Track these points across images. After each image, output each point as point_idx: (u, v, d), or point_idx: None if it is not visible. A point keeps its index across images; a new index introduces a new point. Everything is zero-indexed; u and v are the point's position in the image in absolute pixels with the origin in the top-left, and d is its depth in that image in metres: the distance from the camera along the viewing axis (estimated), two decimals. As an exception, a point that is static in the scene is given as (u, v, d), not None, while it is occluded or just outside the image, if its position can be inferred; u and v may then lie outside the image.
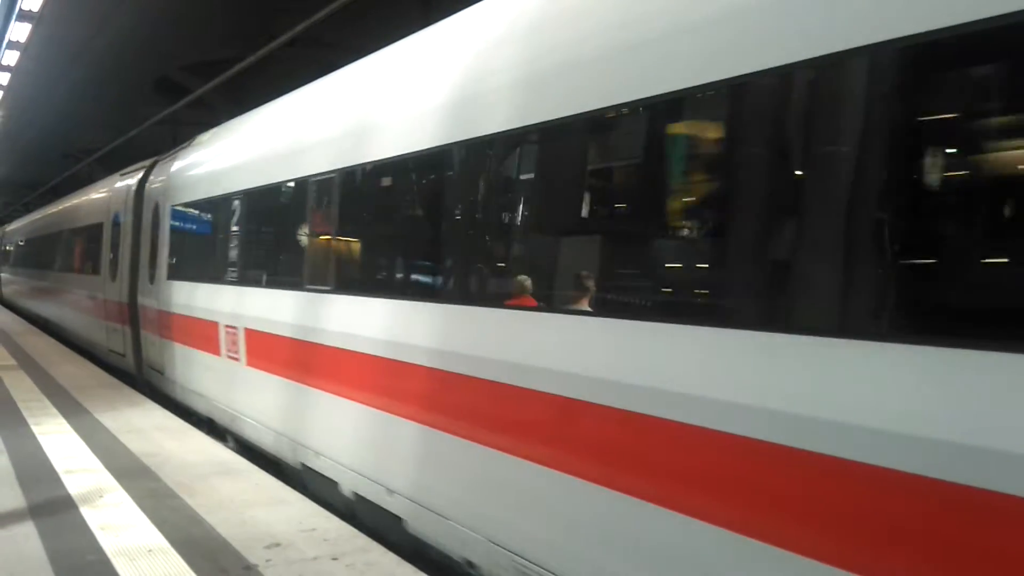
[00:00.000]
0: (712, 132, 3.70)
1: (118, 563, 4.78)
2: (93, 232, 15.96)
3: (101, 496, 6.10)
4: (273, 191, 7.91)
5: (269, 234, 8.37)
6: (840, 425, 2.84)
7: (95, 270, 15.34)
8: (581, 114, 4.10)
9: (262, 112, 9.19)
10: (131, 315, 12.67)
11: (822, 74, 3.06)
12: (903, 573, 2.66)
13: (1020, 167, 2.68)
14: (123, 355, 13.32)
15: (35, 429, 8.39)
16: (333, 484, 6.37)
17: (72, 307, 17.90)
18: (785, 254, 3.26)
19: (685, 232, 3.89)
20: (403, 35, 6.51)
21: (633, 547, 3.67)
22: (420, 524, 5.26)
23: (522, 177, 4.90)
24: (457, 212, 5.23)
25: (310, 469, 6.77)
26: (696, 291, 3.76)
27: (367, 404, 5.86)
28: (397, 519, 5.49)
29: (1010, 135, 2.67)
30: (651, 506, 3.53)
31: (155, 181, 12.22)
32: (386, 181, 6.23)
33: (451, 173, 5.31)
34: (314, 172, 6.94)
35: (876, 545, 2.72)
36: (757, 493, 3.13)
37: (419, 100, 5.62)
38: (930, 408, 2.63)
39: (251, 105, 10.02)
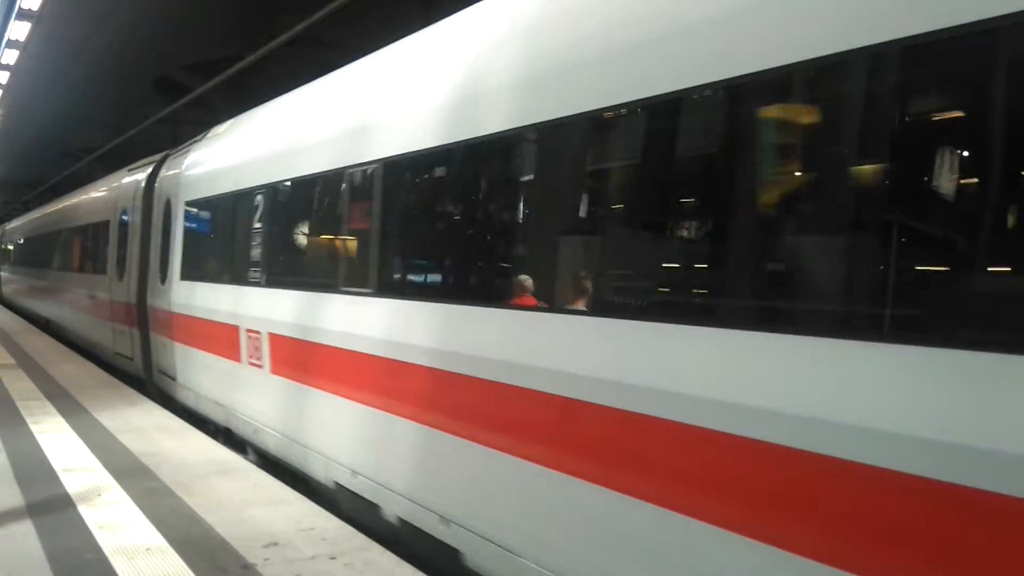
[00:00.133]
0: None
1: (116, 562, 4.77)
2: (98, 230, 15.39)
3: (99, 495, 6.10)
4: (303, 185, 7.23)
5: (298, 232, 7.59)
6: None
7: (101, 269, 14.77)
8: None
9: (292, 98, 8.36)
10: (140, 317, 12.10)
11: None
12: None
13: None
14: (131, 359, 12.78)
15: (34, 428, 8.39)
16: (372, 507, 5.77)
17: (76, 308, 17.30)
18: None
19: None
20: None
21: None
22: (482, 559, 4.65)
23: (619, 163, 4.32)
24: (540, 205, 4.61)
25: (345, 489, 6.15)
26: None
27: (418, 421, 5.22)
28: (453, 551, 4.88)
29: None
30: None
31: (166, 177, 11.57)
32: (443, 171, 5.52)
33: (532, 160, 4.68)
34: (353, 163, 6.25)
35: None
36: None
37: (494, 75, 4.86)
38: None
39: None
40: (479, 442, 4.63)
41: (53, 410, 9.42)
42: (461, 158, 5.19)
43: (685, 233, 3.89)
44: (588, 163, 4.45)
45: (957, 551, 2.55)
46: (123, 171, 14.78)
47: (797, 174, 3.35)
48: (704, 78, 3.45)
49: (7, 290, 31.73)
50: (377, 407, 5.69)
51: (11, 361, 13.90)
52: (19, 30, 15.31)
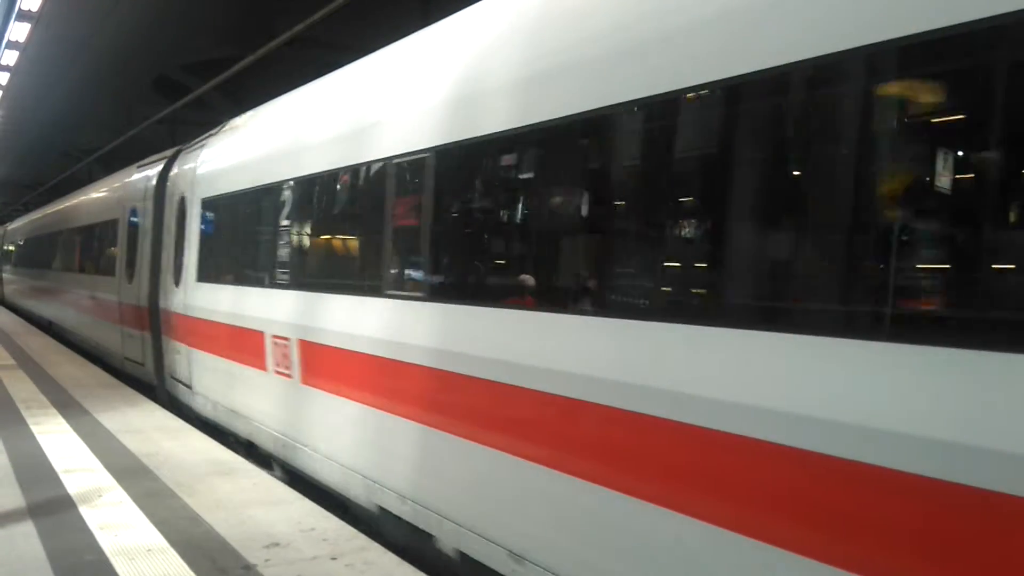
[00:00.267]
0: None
1: (117, 563, 4.78)
2: (106, 230, 14.79)
3: (100, 496, 6.10)
4: (340, 178, 6.54)
5: (333, 230, 6.97)
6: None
7: (108, 270, 14.10)
8: None
9: (327, 84, 7.53)
10: (151, 320, 11.40)
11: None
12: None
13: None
14: (142, 364, 12.07)
15: (34, 429, 8.39)
16: (423, 536, 5.18)
17: (82, 310, 16.60)
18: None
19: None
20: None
21: None
22: None
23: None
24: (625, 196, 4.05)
25: (391, 514, 5.58)
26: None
27: (486, 445, 4.58)
28: None
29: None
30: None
31: (179, 173, 10.85)
32: (507, 159, 4.83)
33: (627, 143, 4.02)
34: (398, 153, 5.61)
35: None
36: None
37: (579, 48, 4.20)
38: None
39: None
40: (567, 471, 3.96)
41: (54, 411, 9.42)
42: (555, 140, 4.35)
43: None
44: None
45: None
46: (131, 168, 14.21)
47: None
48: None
49: (9, 291, 31.34)
50: (435, 426, 5.03)
51: (12, 362, 13.90)
52: (19, 31, 15.34)
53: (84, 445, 7.72)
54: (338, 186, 6.64)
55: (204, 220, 9.54)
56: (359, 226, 6.47)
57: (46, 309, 21.56)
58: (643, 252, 3.94)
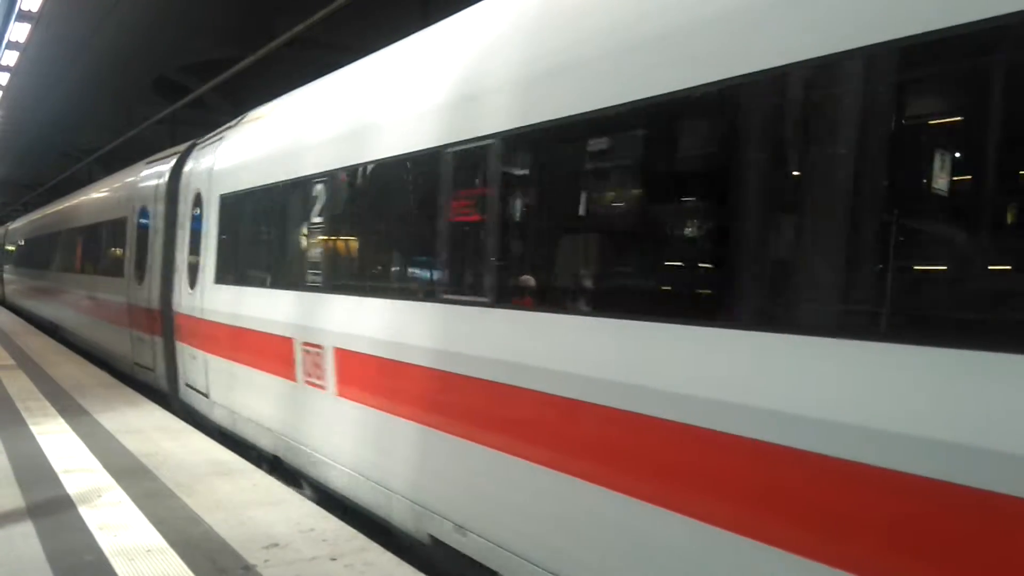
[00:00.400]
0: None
1: (116, 563, 4.77)
2: (114, 229, 14.13)
3: (99, 496, 6.10)
4: (385, 170, 5.89)
5: (378, 227, 6.27)
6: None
7: (116, 271, 13.44)
8: None
9: (366, 67, 6.79)
10: (163, 324, 10.79)
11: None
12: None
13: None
14: (152, 370, 11.49)
15: (34, 429, 8.39)
16: (485, 571, 4.64)
17: (88, 312, 15.97)
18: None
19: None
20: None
21: None
22: None
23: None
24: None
25: (446, 546, 4.99)
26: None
27: (568, 473, 3.96)
28: None
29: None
30: None
31: (194, 168, 10.19)
32: (603, 143, 4.14)
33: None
34: (459, 139, 4.93)
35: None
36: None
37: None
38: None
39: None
40: (670, 507, 3.44)
41: (53, 411, 9.42)
42: (653, 120, 3.76)
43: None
44: None
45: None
46: (140, 165, 13.61)
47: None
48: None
49: (10, 293, 30.77)
50: (503, 450, 4.42)
51: (11, 362, 13.90)
52: (19, 31, 15.34)
53: (83, 445, 7.71)
54: (385, 179, 5.98)
55: (223, 218, 8.89)
56: (410, 222, 5.77)
57: (50, 311, 21.04)
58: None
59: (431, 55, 5.71)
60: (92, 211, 16.54)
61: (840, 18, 2.94)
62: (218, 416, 8.91)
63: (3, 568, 4.65)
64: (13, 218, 38.03)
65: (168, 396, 10.75)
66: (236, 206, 8.60)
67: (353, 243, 6.52)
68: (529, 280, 4.53)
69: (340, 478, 6.23)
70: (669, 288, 3.83)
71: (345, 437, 6.17)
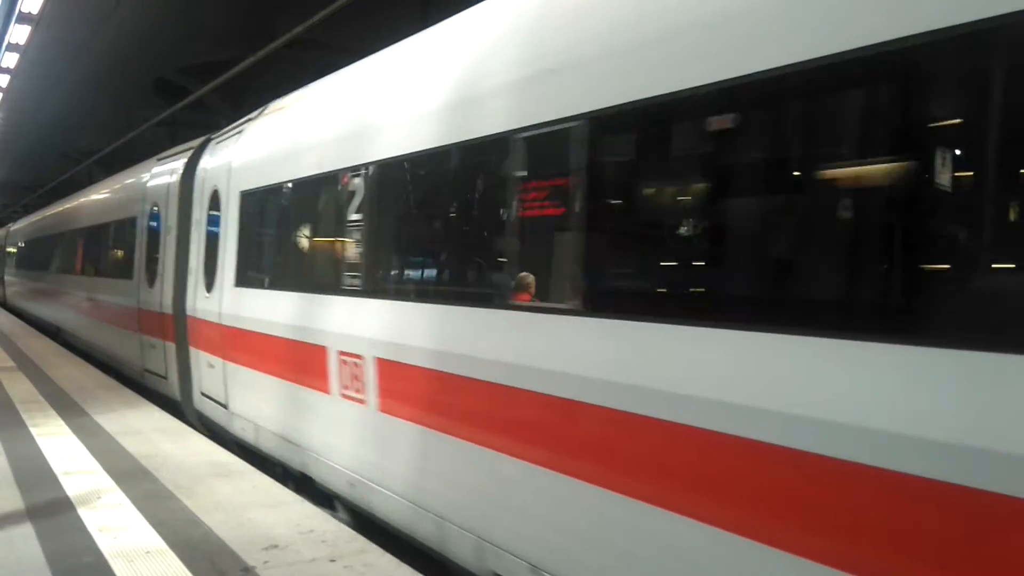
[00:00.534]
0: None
1: (116, 565, 4.77)
2: (123, 229, 13.58)
3: (99, 497, 6.09)
4: (436, 159, 5.29)
5: (431, 225, 5.71)
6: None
7: (125, 273, 12.87)
8: None
9: (415, 49, 6.08)
10: (176, 329, 10.20)
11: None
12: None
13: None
14: (164, 377, 10.87)
15: (33, 431, 8.38)
16: None
17: (94, 316, 15.33)
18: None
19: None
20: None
21: None
22: None
23: None
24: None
25: None
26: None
27: (690, 515, 3.34)
28: None
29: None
30: None
31: (211, 164, 9.61)
32: (735, 121, 3.41)
33: None
34: (538, 122, 4.28)
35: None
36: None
37: None
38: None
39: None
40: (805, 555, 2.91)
41: (53, 413, 9.42)
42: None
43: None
44: None
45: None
46: (150, 162, 13.03)
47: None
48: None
49: (11, 294, 30.34)
50: (606, 486, 3.76)
51: (11, 364, 13.90)
52: (19, 33, 15.35)
53: (83, 447, 7.71)
54: (440, 169, 5.39)
55: (244, 216, 8.28)
56: (471, 218, 5.19)
57: (53, 313, 20.40)
58: None
59: (507, 23, 4.92)
60: (99, 211, 16.02)
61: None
62: (238, 428, 8.32)
63: (3, 570, 4.65)
64: (14, 220, 37.96)
65: (181, 405, 10.19)
66: (259, 204, 8.02)
67: (401, 242, 5.95)
68: (640, 283, 3.90)
69: (387, 505, 5.57)
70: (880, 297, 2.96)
71: (388, 457, 5.57)
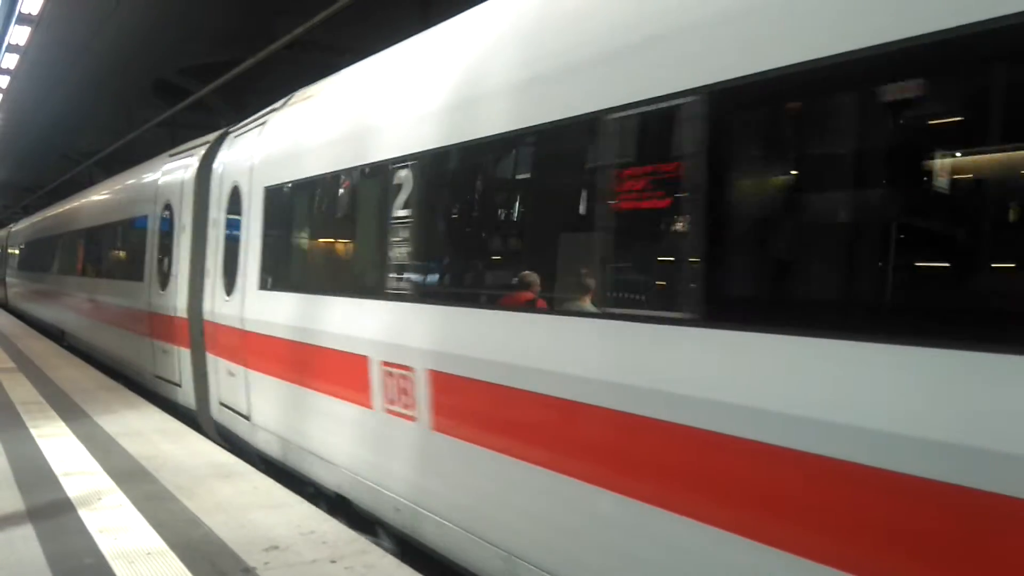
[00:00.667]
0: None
1: (116, 566, 4.77)
2: (132, 228, 13.03)
3: (99, 499, 6.09)
4: (501, 146, 4.74)
5: (496, 219, 5.08)
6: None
7: (135, 275, 12.25)
8: None
9: (476, 21, 5.39)
10: (192, 334, 9.66)
11: None
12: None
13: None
14: (178, 384, 10.30)
15: (34, 432, 8.38)
16: None
17: (102, 319, 14.71)
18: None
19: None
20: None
21: None
22: None
23: None
24: None
25: None
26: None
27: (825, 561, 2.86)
28: None
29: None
30: None
31: (229, 158, 9.07)
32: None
33: None
34: (636, 100, 3.68)
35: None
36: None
37: None
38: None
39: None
40: None
41: (53, 414, 9.41)
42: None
43: None
44: None
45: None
46: (162, 158, 12.44)
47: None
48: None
49: (13, 295, 29.87)
50: (720, 526, 3.21)
51: (11, 365, 13.89)
52: (19, 34, 15.36)
53: (83, 448, 7.71)
54: (506, 158, 4.88)
55: (269, 214, 7.68)
56: (547, 213, 4.57)
57: (58, 316, 19.69)
58: None
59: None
60: (107, 210, 15.45)
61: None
62: (262, 442, 7.74)
63: (3, 571, 4.65)
64: (15, 220, 37.87)
65: (196, 415, 9.63)
66: (286, 200, 7.41)
67: (467, 240, 5.29)
68: (788, 288, 3.28)
69: (435, 531, 5.05)
70: None
71: (444, 481, 5.05)
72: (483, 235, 5.16)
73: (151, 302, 11.33)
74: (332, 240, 6.96)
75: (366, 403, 5.73)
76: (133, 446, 7.84)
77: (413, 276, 5.42)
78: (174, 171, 11.13)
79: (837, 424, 2.79)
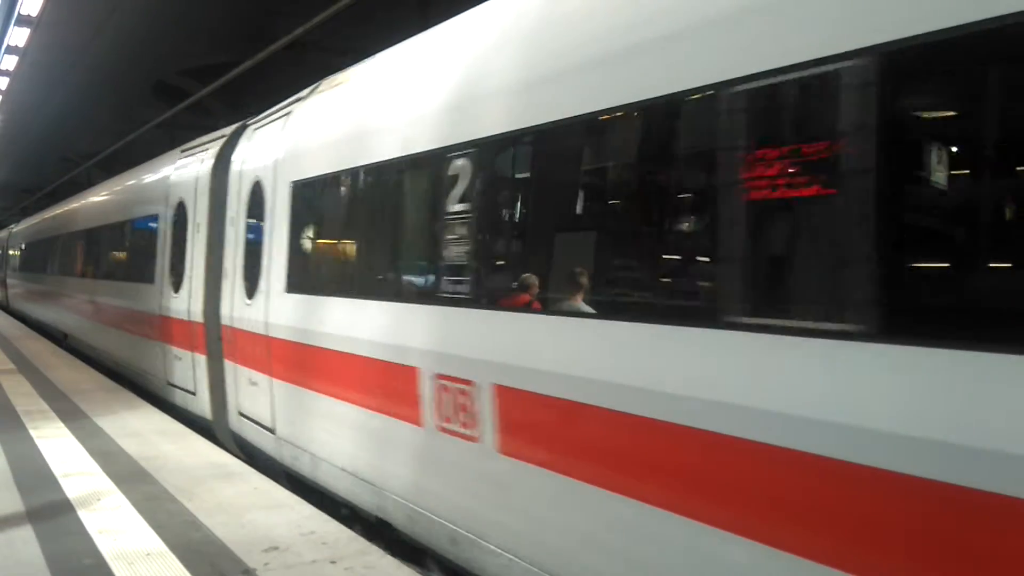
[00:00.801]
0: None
1: (116, 567, 4.77)
2: (141, 228, 12.43)
3: (99, 500, 6.09)
4: (598, 126, 4.06)
5: (590, 211, 4.30)
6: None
7: (145, 276, 11.63)
8: None
9: None
10: (208, 339, 9.11)
11: None
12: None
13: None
14: (192, 392, 9.73)
15: (33, 433, 8.38)
16: None
17: (109, 323, 14.10)
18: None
19: None
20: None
21: None
22: None
23: None
24: None
25: None
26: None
27: None
28: None
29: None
30: None
31: (249, 152, 8.51)
32: None
33: None
34: (772, 68, 3.07)
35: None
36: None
37: None
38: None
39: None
40: None
41: (53, 415, 9.41)
42: None
43: None
44: None
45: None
46: (173, 153, 11.85)
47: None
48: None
49: (13, 297, 29.43)
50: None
51: (11, 366, 13.89)
52: (19, 36, 15.37)
53: (83, 449, 7.70)
54: (601, 139, 4.20)
55: (297, 211, 7.09)
56: (649, 204, 3.90)
57: (61, 319, 19.02)
58: None
59: None
60: (114, 209, 14.82)
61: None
62: (288, 457, 7.14)
63: (3, 572, 4.65)
64: (15, 222, 37.79)
65: (212, 425, 9.08)
66: (318, 195, 6.87)
67: (539, 239, 4.59)
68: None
69: (503, 568, 4.46)
70: None
71: (515, 512, 4.40)
72: (568, 232, 4.40)
73: (163, 305, 10.78)
74: (372, 239, 6.23)
75: (415, 420, 5.17)
76: (133, 447, 7.83)
77: (465, 277, 4.86)
78: (187, 167, 10.55)
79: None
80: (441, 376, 4.90)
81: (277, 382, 7.22)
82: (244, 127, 9.20)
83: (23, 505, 5.92)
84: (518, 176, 4.80)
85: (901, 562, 2.63)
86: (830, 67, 2.86)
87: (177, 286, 10.23)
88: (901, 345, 2.64)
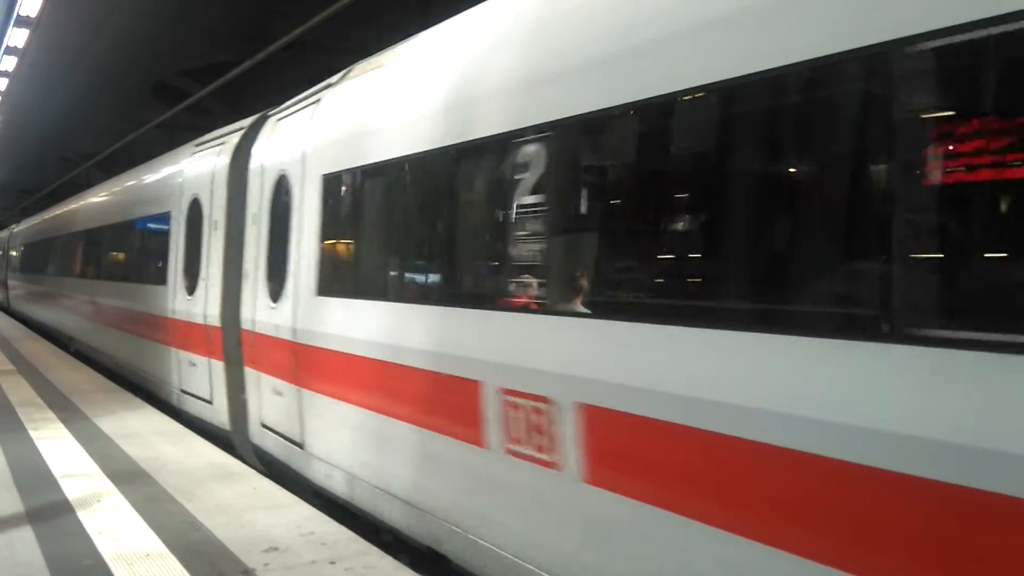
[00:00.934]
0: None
1: (115, 568, 4.76)
2: (151, 227, 11.80)
3: (99, 500, 6.08)
4: (692, 104, 3.49)
5: (712, 201, 3.54)
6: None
7: (157, 278, 11.05)
8: None
9: None
10: (226, 345, 8.57)
11: None
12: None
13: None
14: (208, 401, 9.19)
15: (33, 434, 8.37)
16: None
17: (117, 326, 13.51)
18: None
19: None
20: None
21: None
22: None
23: None
24: None
25: None
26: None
27: None
28: None
29: None
30: None
31: (272, 145, 7.89)
32: None
33: None
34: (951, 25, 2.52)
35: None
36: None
37: None
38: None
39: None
40: None
41: (52, 416, 9.40)
42: None
43: None
44: None
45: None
46: (186, 147, 11.26)
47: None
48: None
49: (14, 298, 29.00)
50: None
51: (10, 367, 13.88)
52: (18, 37, 15.37)
53: (83, 450, 7.70)
54: (699, 118, 3.51)
55: (330, 206, 6.50)
56: (803, 190, 3.25)
57: (65, 322, 18.34)
58: None
59: None
60: (122, 207, 14.12)
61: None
62: (320, 475, 6.55)
63: (3, 573, 4.65)
64: (15, 222, 37.72)
65: (231, 436, 8.54)
66: (354, 189, 6.29)
67: (632, 235, 3.98)
68: None
69: None
70: None
71: (612, 555, 3.75)
72: (674, 227, 3.81)
73: (176, 308, 10.16)
74: (419, 237, 5.70)
75: (475, 440, 4.58)
76: (132, 448, 7.83)
77: (534, 279, 4.34)
78: (201, 162, 9.93)
79: None
80: (508, 391, 4.32)
81: (306, 392, 6.64)
82: (264, 118, 8.63)
83: (23, 506, 5.91)
84: (626, 161, 4.00)
85: None
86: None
87: (192, 288, 9.68)
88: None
